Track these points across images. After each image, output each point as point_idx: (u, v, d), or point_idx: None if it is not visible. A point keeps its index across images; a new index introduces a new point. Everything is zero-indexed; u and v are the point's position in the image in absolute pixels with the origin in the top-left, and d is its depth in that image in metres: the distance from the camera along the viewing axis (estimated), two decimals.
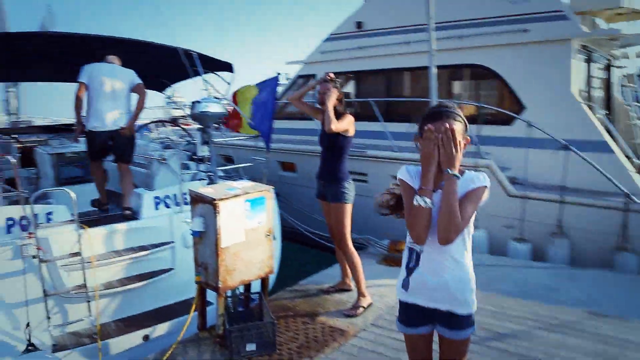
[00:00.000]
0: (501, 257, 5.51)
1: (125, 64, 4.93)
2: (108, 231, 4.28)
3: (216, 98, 5.20)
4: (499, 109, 6.51)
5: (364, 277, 3.83)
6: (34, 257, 3.67)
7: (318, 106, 3.82)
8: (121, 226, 4.38)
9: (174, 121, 9.14)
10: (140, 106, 4.88)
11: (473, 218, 1.77)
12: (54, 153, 5.63)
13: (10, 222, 3.85)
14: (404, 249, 4.65)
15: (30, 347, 3.46)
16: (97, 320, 3.79)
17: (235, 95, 6.09)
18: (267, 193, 3.43)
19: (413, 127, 1.88)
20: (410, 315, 1.92)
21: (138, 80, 4.87)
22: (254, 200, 3.33)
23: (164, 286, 4.41)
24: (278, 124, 9.09)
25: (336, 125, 3.52)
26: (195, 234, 3.23)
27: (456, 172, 1.67)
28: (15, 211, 3.86)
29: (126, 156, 4.87)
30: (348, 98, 8.45)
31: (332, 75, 3.69)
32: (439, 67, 5.05)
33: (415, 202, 1.70)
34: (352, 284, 4.11)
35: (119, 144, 4.78)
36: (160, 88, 7.57)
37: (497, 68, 6.84)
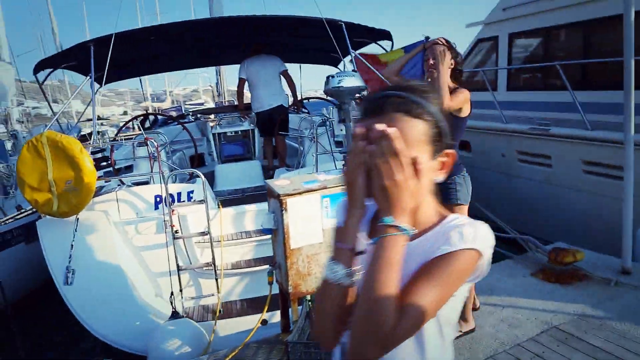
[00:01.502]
0: None
1: (287, 43, 6.31)
2: (239, 212, 4.46)
3: (354, 71, 4.80)
4: None
5: (477, 295, 3.00)
6: (175, 232, 4.11)
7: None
8: (253, 207, 4.51)
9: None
10: (292, 87, 6.23)
11: (456, 305, 0.97)
12: (216, 133, 6.20)
13: (158, 199, 4.36)
14: (568, 261, 3.54)
15: (175, 314, 3.87)
16: (217, 299, 4.02)
17: (378, 60, 5.49)
18: None
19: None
20: None
21: (284, 67, 6.07)
22: (336, 196, 2.91)
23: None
24: None
25: (449, 103, 2.75)
26: (265, 231, 3.01)
27: (402, 222, 0.87)
28: (161, 189, 4.35)
29: (281, 130, 5.91)
30: (520, 64, 6.86)
31: (443, 39, 2.90)
32: None
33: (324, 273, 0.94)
34: (478, 303, 3.30)
35: (274, 121, 5.87)
36: (334, 62, 7.53)
37: None
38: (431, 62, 2.83)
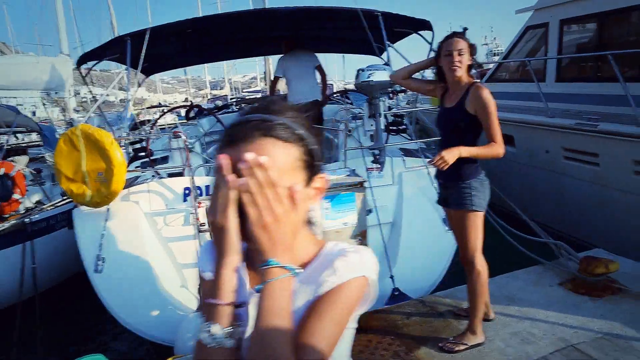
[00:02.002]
0: None
1: (326, 34, 6.38)
2: None
3: (386, 65, 4.63)
4: None
5: (489, 309, 2.84)
6: (200, 225, 4.22)
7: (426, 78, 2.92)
8: None
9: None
10: (324, 81, 6.34)
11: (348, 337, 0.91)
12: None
13: (187, 192, 4.49)
14: (599, 272, 3.28)
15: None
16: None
17: None
18: (357, 189, 2.87)
19: None
20: None
21: (317, 62, 6.17)
22: (337, 197, 2.85)
23: None
24: (493, 87, 7.63)
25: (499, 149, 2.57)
26: None
27: (287, 261, 0.78)
28: (188, 182, 4.46)
29: (316, 124, 5.66)
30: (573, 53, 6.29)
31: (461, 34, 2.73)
32: None
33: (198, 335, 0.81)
34: (493, 314, 3.13)
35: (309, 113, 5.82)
36: (378, 53, 7.36)
37: None
38: (457, 58, 2.60)
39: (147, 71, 7.79)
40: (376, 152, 4.53)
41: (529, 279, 3.66)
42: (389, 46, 5.30)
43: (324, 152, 6.71)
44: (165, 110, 7.50)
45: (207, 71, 41.71)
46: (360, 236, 2.92)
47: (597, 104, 5.62)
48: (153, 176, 4.92)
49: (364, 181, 2.87)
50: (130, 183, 4.81)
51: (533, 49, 7.02)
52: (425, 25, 5.70)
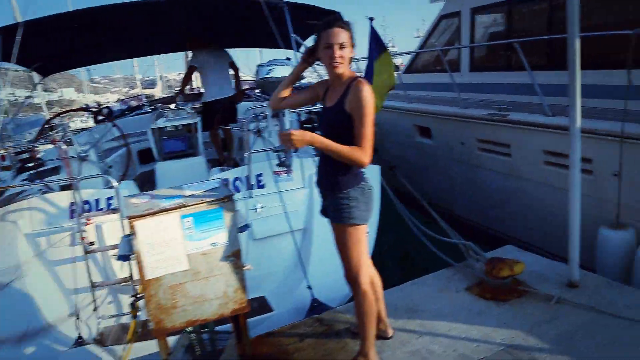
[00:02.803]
0: None
1: (235, 28, 6.11)
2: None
3: (287, 59, 4.23)
4: None
5: (382, 326, 2.51)
6: (90, 244, 3.64)
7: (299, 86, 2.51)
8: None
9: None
10: (237, 76, 6.18)
11: None
12: (155, 128, 5.67)
13: (74, 207, 3.87)
14: (504, 275, 3.03)
15: (80, 340, 3.42)
16: (132, 320, 3.54)
17: None
18: (225, 203, 2.44)
19: None
20: None
21: (230, 58, 5.95)
22: (200, 214, 2.41)
23: None
24: (411, 77, 7.47)
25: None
26: (122, 258, 2.52)
27: None
28: (70, 196, 3.86)
29: (230, 122, 5.83)
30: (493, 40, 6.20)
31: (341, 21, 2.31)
32: None
33: None
34: (392, 331, 2.82)
35: (220, 111, 5.74)
36: (295, 47, 6.96)
37: None
38: (338, 53, 2.16)
39: (44, 70, 6.96)
40: (282, 154, 4.14)
41: (436, 285, 3.40)
42: (296, 39, 4.90)
43: (236, 154, 6.24)
44: (57, 114, 6.69)
45: (137, 69, 39.57)
46: (234, 256, 2.50)
47: (511, 94, 5.53)
48: (40, 190, 4.31)
49: (231, 195, 2.44)
50: (9, 200, 4.17)
51: (448, 40, 6.88)
52: (332, 15, 5.34)
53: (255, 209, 4.10)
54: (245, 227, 2.64)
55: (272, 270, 4.02)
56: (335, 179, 2.30)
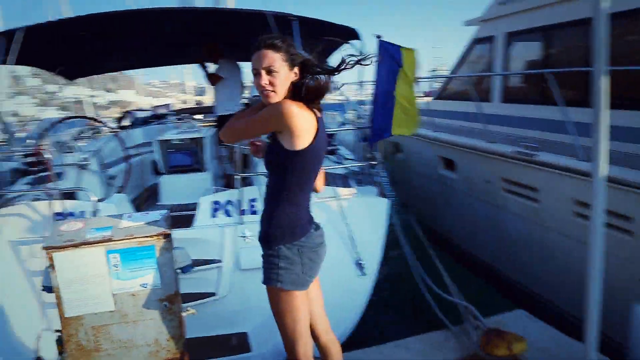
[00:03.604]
0: None
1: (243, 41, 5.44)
2: None
3: None
4: None
5: None
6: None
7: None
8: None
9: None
10: None
11: None
12: (161, 140, 5.52)
13: (59, 218, 3.73)
14: (500, 354, 2.54)
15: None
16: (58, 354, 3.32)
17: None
18: (159, 241, 2.13)
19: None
20: None
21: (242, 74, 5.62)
22: (129, 251, 2.12)
23: (202, 313, 3.64)
24: (446, 104, 6.94)
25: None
26: (45, 289, 2.26)
27: None
28: (45, 207, 3.75)
29: None
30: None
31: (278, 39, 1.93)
32: None
33: None
34: None
35: None
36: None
37: None
38: (265, 80, 1.79)
39: (68, 74, 7.06)
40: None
41: (422, 351, 2.93)
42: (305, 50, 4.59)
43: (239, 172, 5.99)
44: (61, 119, 6.67)
45: (190, 76, 40.88)
46: (168, 301, 2.18)
47: (547, 131, 4.95)
48: (37, 197, 4.21)
49: (167, 232, 2.13)
50: (4, 203, 4.10)
51: (481, 66, 6.35)
52: (351, 33, 5.01)
53: (245, 236, 3.79)
54: (188, 267, 2.32)
55: (258, 305, 3.67)
56: (266, 229, 1.92)
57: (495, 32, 5.85)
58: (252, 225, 3.81)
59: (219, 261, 3.70)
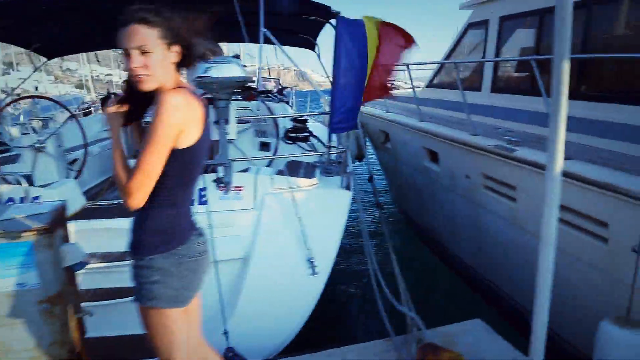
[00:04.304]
0: None
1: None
2: (88, 228, 3.54)
3: (235, 57, 3.57)
4: None
5: None
6: None
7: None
8: (108, 224, 3.58)
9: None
10: None
11: None
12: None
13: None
14: None
15: None
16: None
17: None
18: (38, 236, 1.91)
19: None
20: None
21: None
22: (3, 247, 1.89)
23: (123, 311, 3.43)
24: (432, 93, 6.54)
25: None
26: None
27: None
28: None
29: None
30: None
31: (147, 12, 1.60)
32: None
33: None
34: None
35: None
36: (311, 46, 6.34)
37: None
38: (137, 62, 1.48)
39: (46, 52, 6.84)
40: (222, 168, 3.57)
41: None
42: (266, 35, 4.28)
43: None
44: (14, 100, 6.42)
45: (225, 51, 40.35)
46: (49, 303, 1.96)
47: (537, 124, 4.57)
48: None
49: (46, 227, 1.90)
50: None
51: (475, 52, 5.92)
52: (330, 13, 4.64)
53: None
54: (80, 265, 2.09)
55: (203, 304, 3.46)
56: (138, 235, 1.62)
57: (490, 15, 5.41)
58: (201, 217, 3.55)
59: None
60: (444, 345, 2.74)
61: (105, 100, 8.06)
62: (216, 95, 3.42)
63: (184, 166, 1.57)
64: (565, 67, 2.02)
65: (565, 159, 3.43)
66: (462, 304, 4.93)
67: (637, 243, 2.88)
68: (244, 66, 3.53)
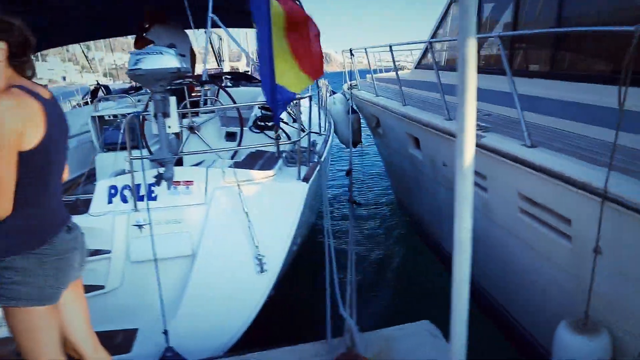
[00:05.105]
0: None
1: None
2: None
3: (171, 46, 3.38)
4: None
5: None
6: None
7: None
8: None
9: None
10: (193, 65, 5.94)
11: None
12: (95, 116, 5.17)
13: None
14: None
15: None
16: None
17: None
18: None
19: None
20: None
21: (190, 43, 5.59)
22: None
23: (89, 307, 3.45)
24: (421, 74, 6.18)
25: None
26: None
27: None
28: None
29: None
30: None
31: None
32: None
33: None
34: None
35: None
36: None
37: None
38: None
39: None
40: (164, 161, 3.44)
41: None
42: (214, 20, 4.11)
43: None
44: None
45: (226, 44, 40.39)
46: None
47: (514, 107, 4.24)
48: None
49: None
50: None
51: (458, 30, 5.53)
52: None
53: (140, 225, 3.48)
54: None
55: (149, 302, 3.41)
56: None
57: None
58: (151, 213, 3.46)
59: (108, 252, 3.44)
60: (379, 350, 2.59)
61: (95, 92, 8.08)
62: (151, 88, 3.26)
63: (34, 167, 1.54)
64: (471, 45, 1.79)
65: (533, 146, 3.18)
66: (442, 296, 4.72)
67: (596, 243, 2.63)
68: (182, 55, 3.34)
